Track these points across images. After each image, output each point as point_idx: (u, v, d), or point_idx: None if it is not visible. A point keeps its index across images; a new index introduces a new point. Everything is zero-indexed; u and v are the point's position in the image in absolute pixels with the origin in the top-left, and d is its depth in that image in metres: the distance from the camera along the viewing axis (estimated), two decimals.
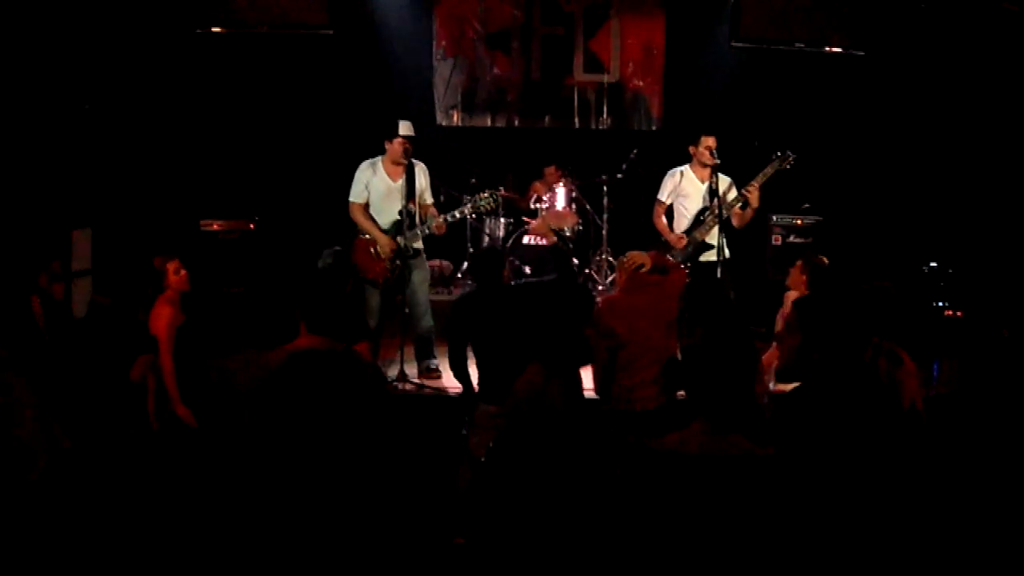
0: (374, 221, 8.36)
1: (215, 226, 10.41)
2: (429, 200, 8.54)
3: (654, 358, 6.29)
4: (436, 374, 8.40)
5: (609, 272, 11.17)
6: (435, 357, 8.56)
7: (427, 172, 8.53)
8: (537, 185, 11.58)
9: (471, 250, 11.34)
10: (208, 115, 10.92)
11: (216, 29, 10.85)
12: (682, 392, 5.48)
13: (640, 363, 6.28)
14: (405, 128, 8.30)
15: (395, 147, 8.27)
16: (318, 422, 5.07)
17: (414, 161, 8.37)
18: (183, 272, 6.77)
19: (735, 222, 8.48)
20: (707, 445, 3.98)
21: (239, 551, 4.59)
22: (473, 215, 9.30)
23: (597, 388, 6.52)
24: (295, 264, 9.28)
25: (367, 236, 8.32)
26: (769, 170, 8.35)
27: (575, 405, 6.40)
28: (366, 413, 5.25)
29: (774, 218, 10.51)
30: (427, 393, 8.15)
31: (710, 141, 8.46)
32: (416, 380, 8.34)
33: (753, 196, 8.31)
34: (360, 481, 5.02)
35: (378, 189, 8.35)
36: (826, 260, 7.39)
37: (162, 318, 6.54)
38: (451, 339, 6.65)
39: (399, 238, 8.26)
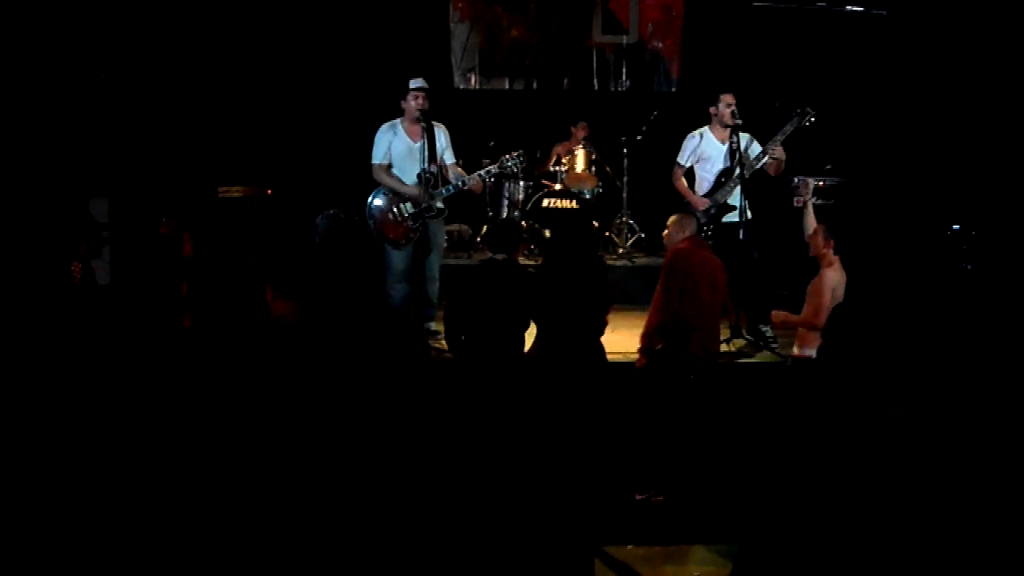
0: (398, 178, 8.34)
1: (234, 193, 10.37)
2: (450, 160, 8.50)
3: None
4: (435, 336, 8.41)
5: (630, 235, 11.12)
6: (434, 319, 8.59)
7: (447, 132, 8.50)
8: (557, 148, 11.51)
9: (490, 214, 11.30)
10: (223, 81, 10.87)
11: None
12: None
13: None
14: (416, 82, 8.30)
15: (409, 102, 8.26)
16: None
17: (434, 123, 8.35)
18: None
19: (771, 171, 8.41)
20: None
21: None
22: (491, 178, 9.25)
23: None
24: (294, 232, 9.22)
25: (389, 195, 8.30)
26: (789, 127, 8.28)
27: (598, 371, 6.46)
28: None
29: (796, 179, 10.41)
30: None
31: (730, 98, 8.40)
32: None
33: (778, 151, 8.25)
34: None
35: (399, 150, 8.34)
36: None
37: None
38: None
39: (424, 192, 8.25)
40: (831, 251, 6.94)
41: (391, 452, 5.36)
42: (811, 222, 7.44)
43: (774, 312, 7.14)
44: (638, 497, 6.55)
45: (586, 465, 6.10)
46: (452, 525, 5.33)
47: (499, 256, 6.74)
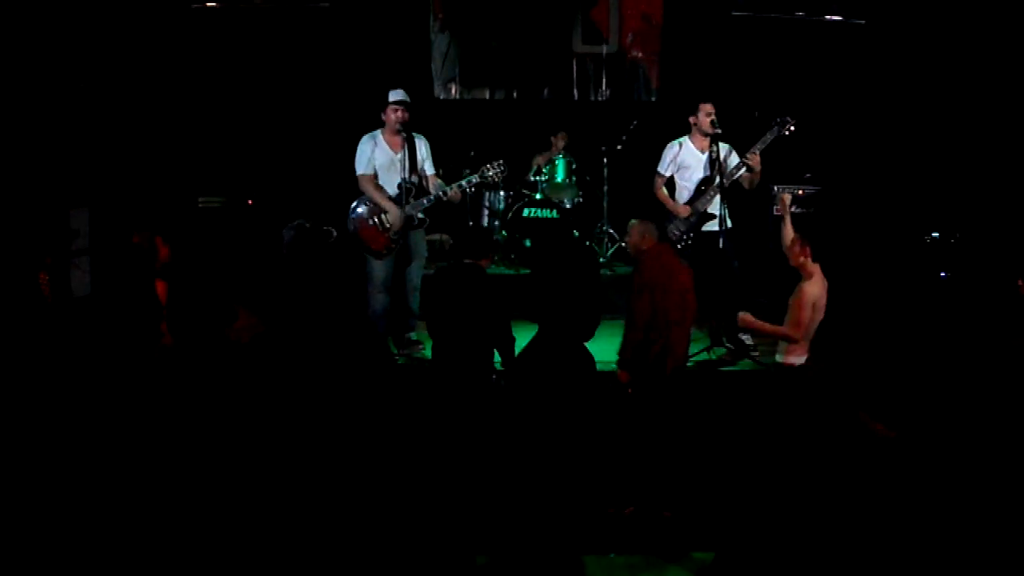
0: (383, 191, 8.34)
1: (214, 203, 10.34)
2: (430, 171, 8.52)
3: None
4: (418, 346, 8.42)
5: (610, 245, 11.13)
6: (415, 329, 8.64)
7: (428, 143, 8.51)
8: (537, 158, 11.53)
9: (471, 224, 11.31)
10: (205, 91, 10.84)
11: (212, 4, 10.77)
12: None
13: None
14: (396, 95, 8.31)
15: (389, 115, 8.29)
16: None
17: (414, 134, 8.35)
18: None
19: (745, 184, 8.44)
20: None
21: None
22: (472, 188, 9.20)
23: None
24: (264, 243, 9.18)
25: (370, 205, 8.29)
26: (768, 136, 8.30)
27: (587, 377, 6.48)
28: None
29: (775, 188, 10.44)
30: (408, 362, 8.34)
31: (709, 108, 8.42)
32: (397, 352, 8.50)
33: (754, 160, 8.26)
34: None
35: (380, 161, 8.35)
36: None
37: (160, 291, 6.54)
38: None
39: (404, 207, 8.24)
40: (809, 260, 6.97)
41: (364, 459, 5.36)
42: (788, 232, 7.48)
43: (741, 315, 7.12)
44: (610, 511, 6.53)
45: (571, 473, 6.10)
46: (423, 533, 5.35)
47: (466, 261, 6.80)
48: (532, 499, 5.47)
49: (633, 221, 7.31)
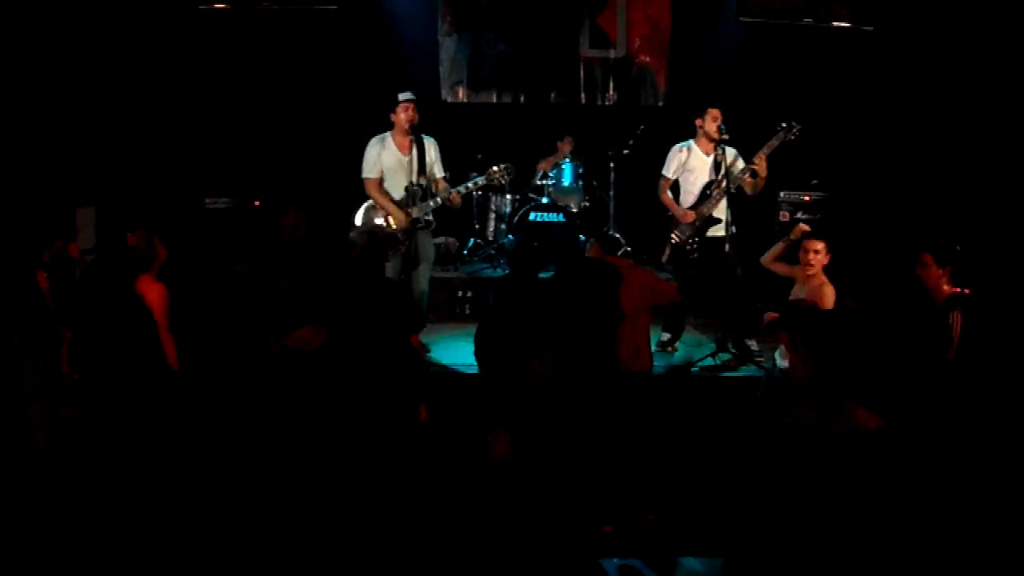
0: (389, 196, 8.34)
1: (220, 204, 10.35)
2: (439, 174, 8.52)
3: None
4: (425, 349, 8.40)
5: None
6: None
7: (437, 146, 8.51)
8: (542, 163, 11.53)
9: (477, 227, 11.31)
10: (212, 93, 10.84)
11: (220, 5, 10.78)
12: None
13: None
14: (406, 95, 8.32)
15: (399, 115, 8.28)
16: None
17: (424, 136, 8.36)
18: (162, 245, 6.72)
19: (747, 189, 8.44)
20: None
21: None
22: (479, 191, 9.18)
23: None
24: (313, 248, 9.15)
25: (378, 207, 8.32)
26: (774, 141, 8.29)
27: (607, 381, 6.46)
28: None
29: (782, 194, 10.43)
30: None
31: (716, 113, 8.43)
32: None
33: (761, 167, 8.25)
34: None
35: (389, 163, 8.36)
36: None
37: (159, 293, 6.49)
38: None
39: (411, 209, 8.25)
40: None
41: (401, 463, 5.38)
42: (773, 252, 7.50)
43: (769, 314, 7.09)
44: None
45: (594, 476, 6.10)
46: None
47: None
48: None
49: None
